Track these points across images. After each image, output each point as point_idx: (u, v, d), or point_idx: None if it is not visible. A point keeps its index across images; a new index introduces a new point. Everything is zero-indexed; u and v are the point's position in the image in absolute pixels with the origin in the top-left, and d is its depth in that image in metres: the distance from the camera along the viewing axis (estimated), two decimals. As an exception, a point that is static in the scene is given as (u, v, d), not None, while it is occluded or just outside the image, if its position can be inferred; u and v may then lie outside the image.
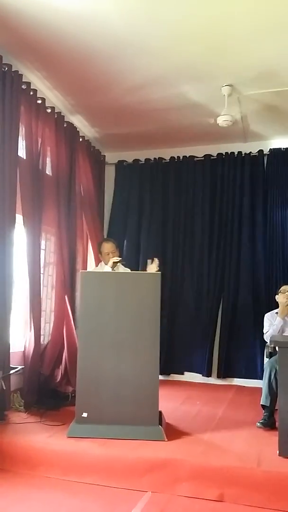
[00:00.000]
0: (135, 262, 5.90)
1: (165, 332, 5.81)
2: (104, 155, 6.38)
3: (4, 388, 3.63)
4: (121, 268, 4.22)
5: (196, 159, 6.16)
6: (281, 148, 5.83)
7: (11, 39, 3.90)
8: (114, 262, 4.13)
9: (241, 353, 5.68)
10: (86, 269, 5.18)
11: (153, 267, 3.92)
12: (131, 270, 4.29)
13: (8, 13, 3.57)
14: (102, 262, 4.33)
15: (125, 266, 4.29)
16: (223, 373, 5.69)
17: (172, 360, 5.91)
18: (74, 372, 3.63)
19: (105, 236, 6.12)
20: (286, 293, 4.27)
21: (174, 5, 3.46)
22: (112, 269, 4.10)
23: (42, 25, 3.71)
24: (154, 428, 3.34)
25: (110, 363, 3.45)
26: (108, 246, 4.30)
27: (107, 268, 4.15)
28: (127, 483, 2.91)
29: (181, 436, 3.42)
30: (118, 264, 4.18)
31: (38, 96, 4.49)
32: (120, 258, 4.21)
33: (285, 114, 5.16)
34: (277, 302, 4.35)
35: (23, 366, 4.13)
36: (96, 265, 5.04)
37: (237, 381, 5.68)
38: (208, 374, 5.75)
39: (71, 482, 2.96)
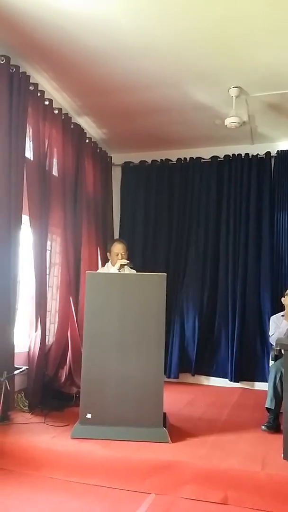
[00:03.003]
0: (142, 264, 5.90)
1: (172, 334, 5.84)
2: (111, 156, 6.39)
3: (9, 388, 3.63)
4: (127, 270, 4.21)
5: (203, 160, 6.16)
6: (288, 150, 5.82)
7: (19, 40, 3.91)
8: (121, 265, 4.13)
9: (246, 355, 5.66)
10: (91, 270, 5.17)
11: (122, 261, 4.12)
12: (137, 272, 4.28)
13: (16, 14, 3.58)
14: (109, 263, 4.33)
15: (132, 268, 4.28)
16: (229, 375, 5.67)
17: (179, 362, 5.90)
18: (78, 373, 3.62)
19: (114, 237, 6.16)
20: (292, 296, 4.26)
21: (182, 7, 3.46)
22: (119, 271, 4.10)
23: (50, 27, 3.73)
24: (158, 430, 3.33)
25: (115, 364, 3.45)
26: (119, 247, 4.30)
27: (114, 270, 4.15)
28: (131, 485, 2.90)
29: (185, 438, 3.41)
30: (125, 266, 4.17)
31: (45, 97, 4.51)
32: (128, 261, 4.20)
33: (293, 116, 5.15)
34: (283, 304, 4.33)
35: (27, 367, 4.13)
36: (102, 266, 5.04)
37: (242, 384, 5.66)
38: (213, 376, 5.74)
39: (74, 483, 2.95)
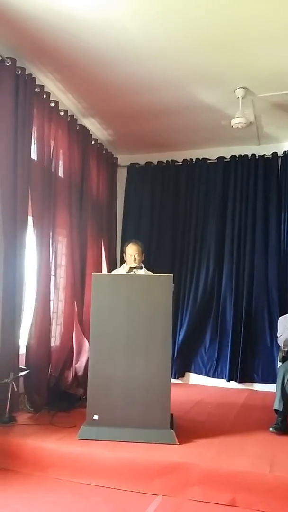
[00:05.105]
0: (146, 265, 5.88)
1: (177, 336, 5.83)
2: (117, 158, 6.38)
3: (15, 389, 3.62)
4: (143, 272, 4.17)
5: (209, 161, 6.14)
6: (295, 150, 5.80)
7: (25, 42, 3.92)
8: (130, 268, 4.11)
9: (255, 357, 5.62)
10: (96, 271, 5.16)
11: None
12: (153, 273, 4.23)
13: (22, 17, 3.59)
14: (125, 264, 4.33)
15: (149, 270, 4.24)
16: (237, 377, 5.63)
17: (185, 363, 5.89)
18: (85, 374, 3.60)
19: (117, 239, 6.17)
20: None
21: (188, 9, 3.46)
22: (133, 273, 4.07)
23: (56, 29, 3.73)
24: (166, 431, 3.31)
25: (122, 365, 3.44)
26: (134, 248, 4.28)
27: (122, 271, 4.14)
28: (138, 487, 2.89)
29: (192, 439, 3.39)
30: (137, 269, 4.13)
31: (51, 99, 4.50)
32: (137, 265, 4.16)
33: (299, 116, 5.13)
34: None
35: (28, 370, 4.09)
36: (107, 268, 5.01)
37: (250, 385, 5.63)
38: (221, 378, 5.72)
39: (81, 485, 2.94)
